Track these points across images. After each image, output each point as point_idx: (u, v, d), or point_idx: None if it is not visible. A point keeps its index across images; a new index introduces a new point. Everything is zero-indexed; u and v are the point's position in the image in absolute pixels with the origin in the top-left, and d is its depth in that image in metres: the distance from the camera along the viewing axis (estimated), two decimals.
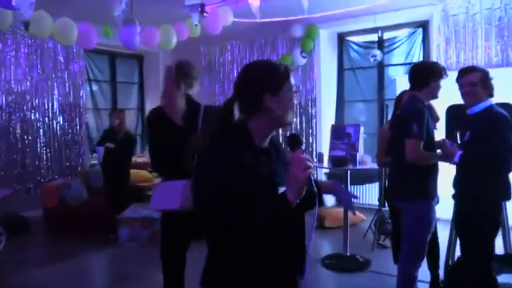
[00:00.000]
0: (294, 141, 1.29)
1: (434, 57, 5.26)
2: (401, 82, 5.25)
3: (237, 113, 1.36)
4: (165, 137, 2.56)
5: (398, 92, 5.17)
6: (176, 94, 2.56)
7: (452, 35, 5.09)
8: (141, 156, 7.28)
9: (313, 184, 1.26)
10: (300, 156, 1.24)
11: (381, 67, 5.93)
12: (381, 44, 5.88)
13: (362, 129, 3.94)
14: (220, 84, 7.06)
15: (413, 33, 5.67)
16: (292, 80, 1.39)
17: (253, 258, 1.29)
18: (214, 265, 1.36)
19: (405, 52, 5.80)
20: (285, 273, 1.38)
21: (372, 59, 5.61)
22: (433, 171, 2.69)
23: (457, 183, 2.70)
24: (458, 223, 2.74)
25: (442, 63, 5.13)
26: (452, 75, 4.80)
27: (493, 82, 2.66)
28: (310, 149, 6.00)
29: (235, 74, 6.85)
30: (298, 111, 6.22)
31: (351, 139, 3.83)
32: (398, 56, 5.92)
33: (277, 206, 1.24)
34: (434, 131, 2.74)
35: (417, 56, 5.66)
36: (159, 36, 4.22)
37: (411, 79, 2.78)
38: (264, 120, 1.35)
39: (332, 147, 3.97)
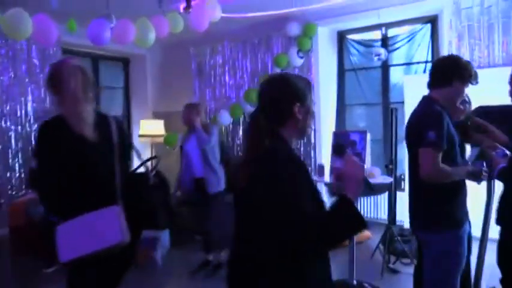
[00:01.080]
0: (341, 147, 1.55)
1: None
2: (409, 83, 4.74)
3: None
4: (73, 156, 1.90)
5: (405, 95, 4.70)
6: (84, 99, 1.97)
7: (465, 30, 4.58)
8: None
9: (367, 178, 1.41)
10: (351, 157, 1.39)
11: (386, 67, 5.42)
12: (385, 42, 5.37)
13: (369, 136, 3.42)
14: (211, 88, 6.53)
15: (421, 29, 5.16)
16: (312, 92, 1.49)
17: (310, 267, 1.34)
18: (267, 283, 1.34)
19: (412, 51, 5.28)
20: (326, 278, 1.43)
21: (375, 58, 5.10)
22: (460, 191, 2.18)
23: (505, 204, 2.20)
24: (504, 258, 2.21)
25: None
26: None
27: None
28: (308, 161, 5.46)
29: (227, 78, 6.34)
30: None
31: (356, 148, 3.30)
32: (404, 55, 5.40)
33: (342, 208, 1.29)
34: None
35: (425, 55, 5.16)
36: (135, 31, 3.68)
37: (431, 75, 2.29)
38: (293, 129, 1.43)
39: (334, 157, 3.43)
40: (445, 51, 4.72)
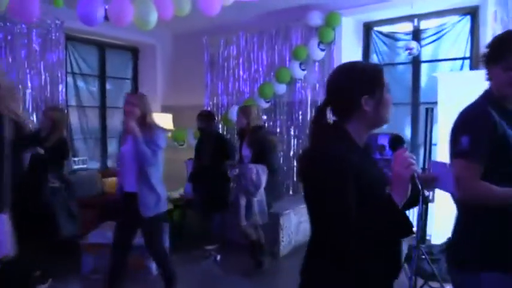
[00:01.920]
0: (397, 141, 1.32)
1: None
2: (444, 81, 4.20)
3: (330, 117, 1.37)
4: None
5: (439, 94, 4.17)
6: None
7: (511, 23, 4.02)
8: None
9: (417, 181, 1.28)
10: (402, 153, 1.27)
11: (417, 63, 4.87)
12: (416, 35, 4.83)
13: None
14: (224, 81, 6.08)
15: (459, 21, 4.60)
16: (385, 79, 1.37)
17: (359, 263, 1.28)
18: (320, 271, 1.35)
19: (448, 46, 4.73)
20: (385, 278, 1.38)
21: (406, 53, 4.58)
22: None
23: None
24: None
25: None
26: None
27: None
28: None
29: (241, 71, 5.88)
30: (312, 113, 5.20)
31: (386, 153, 2.80)
32: (438, 50, 4.85)
33: (386, 209, 1.23)
34: None
35: (463, 51, 4.60)
36: (133, 12, 3.23)
37: (485, 58, 1.76)
38: (361, 122, 1.35)
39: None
40: None
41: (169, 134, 5.94)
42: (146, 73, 6.78)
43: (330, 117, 1.37)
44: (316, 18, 4.95)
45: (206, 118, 4.60)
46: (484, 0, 4.24)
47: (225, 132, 5.99)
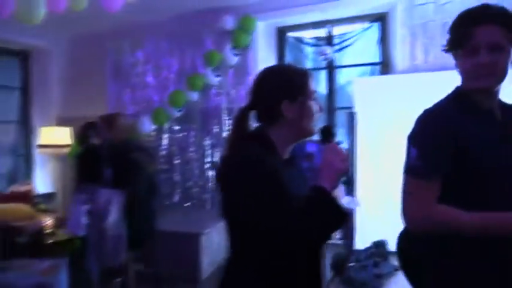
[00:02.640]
0: (329, 132, 1.26)
1: (396, 57, 4.29)
2: (359, 86, 4.20)
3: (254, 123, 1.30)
4: None
5: (355, 99, 4.15)
6: None
7: (419, 29, 4.15)
8: (27, 183, 5.51)
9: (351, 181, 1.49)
10: (336, 146, 1.22)
11: (331, 68, 4.86)
12: (330, 40, 4.82)
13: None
14: (131, 90, 5.56)
15: (369, 28, 4.68)
16: (313, 85, 1.29)
17: (282, 276, 1.19)
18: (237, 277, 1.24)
19: (359, 51, 4.78)
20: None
21: (321, 58, 4.53)
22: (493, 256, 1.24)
23: None
24: None
25: (407, 64, 4.18)
26: (422, 78, 3.85)
27: None
28: None
29: (149, 78, 5.42)
30: (227, 122, 4.94)
31: (315, 162, 2.61)
32: (350, 56, 4.88)
33: (316, 198, 1.13)
34: None
35: (373, 56, 4.68)
36: (15, 2, 2.67)
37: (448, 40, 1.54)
38: (284, 130, 1.28)
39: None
40: (397, 52, 4.26)
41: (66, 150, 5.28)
42: (39, 81, 5.97)
43: (253, 122, 1.29)
44: (229, 22, 4.71)
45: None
46: (392, 7, 4.34)
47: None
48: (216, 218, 4.29)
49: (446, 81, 3.92)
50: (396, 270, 3.64)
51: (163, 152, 5.30)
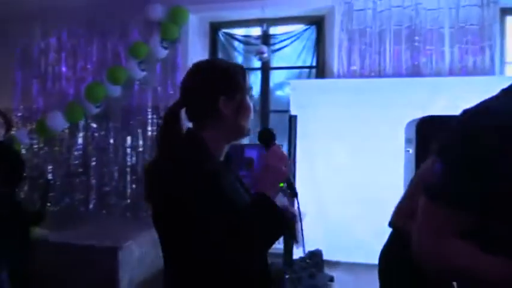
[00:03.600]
0: (270, 135, 1.26)
1: (333, 62, 4.19)
2: (295, 89, 4.03)
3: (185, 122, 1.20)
4: None
5: (292, 102, 3.95)
6: None
7: (356, 34, 4.08)
8: None
9: (294, 184, 1.23)
10: (278, 150, 1.21)
11: (266, 69, 4.64)
12: (265, 40, 4.60)
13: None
14: (41, 80, 4.88)
15: (306, 30, 4.54)
16: (249, 82, 1.25)
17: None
18: None
19: (294, 54, 4.62)
20: None
21: (257, 57, 4.30)
22: None
23: None
24: None
25: (344, 69, 4.09)
26: (359, 84, 3.78)
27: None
28: None
29: (63, 68, 4.81)
30: (157, 121, 4.52)
31: (254, 169, 2.34)
32: (285, 58, 4.72)
33: (258, 204, 1.08)
34: None
35: (309, 59, 4.55)
36: None
37: None
38: (219, 129, 1.20)
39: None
40: (334, 57, 4.16)
41: None
42: None
43: (184, 121, 1.20)
44: (158, 12, 4.30)
45: None
46: (329, 10, 4.24)
47: (41, 144, 4.81)
48: (137, 228, 3.84)
49: (383, 88, 3.92)
50: (331, 281, 3.53)
51: (78, 153, 4.71)
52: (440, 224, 0.92)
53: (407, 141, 2.78)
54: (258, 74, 4.67)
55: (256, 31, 4.70)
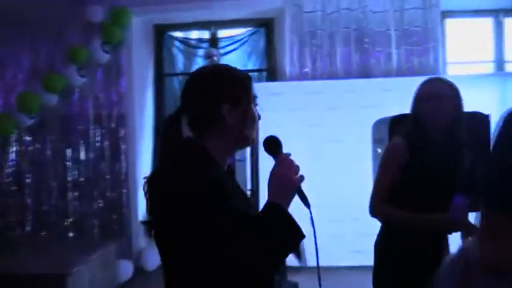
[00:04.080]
0: (276, 143, 1.15)
1: (285, 64, 4.14)
2: None
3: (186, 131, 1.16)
4: None
5: None
6: None
7: (307, 37, 4.06)
8: None
9: (305, 194, 1.11)
10: (287, 158, 1.12)
11: None
12: (214, 43, 4.46)
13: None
14: None
15: (255, 32, 4.46)
16: (254, 90, 1.19)
17: None
18: None
19: (244, 57, 4.52)
20: None
21: (207, 61, 4.15)
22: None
23: None
24: None
25: (297, 71, 4.06)
26: (309, 86, 3.76)
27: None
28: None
29: None
30: (100, 131, 4.19)
31: None
32: (233, 61, 4.60)
33: (271, 215, 1.04)
34: None
35: (259, 62, 4.47)
36: None
37: None
38: (222, 138, 1.15)
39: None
40: (285, 59, 4.11)
41: None
42: None
43: (186, 130, 1.16)
44: (98, 14, 4.01)
45: None
46: (279, 12, 4.19)
47: None
48: (84, 249, 3.51)
49: (334, 90, 3.92)
50: (296, 287, 3.44)
51: (10, 170, 4.25)
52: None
53: (376, 141, 2.78)
54: None
55: (203, 34, 4.55)
